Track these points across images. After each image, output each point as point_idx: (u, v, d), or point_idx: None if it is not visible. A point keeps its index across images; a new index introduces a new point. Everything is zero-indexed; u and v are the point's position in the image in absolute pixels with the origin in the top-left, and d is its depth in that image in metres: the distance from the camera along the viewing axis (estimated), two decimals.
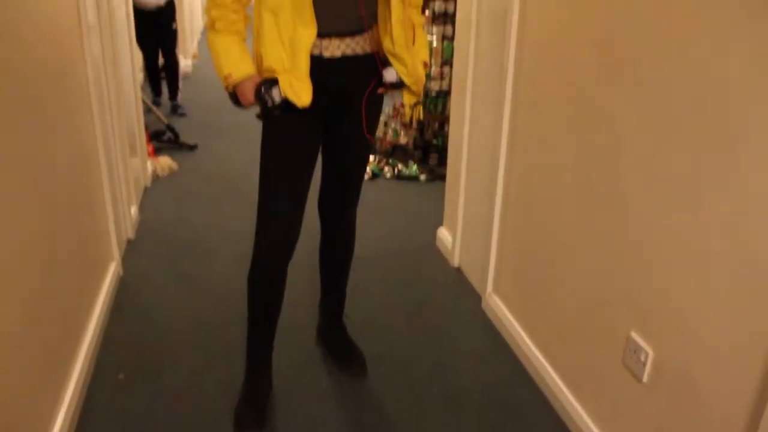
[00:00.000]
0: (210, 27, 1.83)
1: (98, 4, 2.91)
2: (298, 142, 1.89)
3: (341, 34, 1.82)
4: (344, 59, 1.85)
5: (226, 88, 1.84)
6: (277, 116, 1.81)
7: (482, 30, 2.77)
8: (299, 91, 1.78)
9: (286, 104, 1.80)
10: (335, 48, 1.83)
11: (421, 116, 2.05)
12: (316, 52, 1.82)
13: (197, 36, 10.34)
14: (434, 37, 4.11)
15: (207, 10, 1.83)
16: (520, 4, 2.33)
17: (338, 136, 2.00)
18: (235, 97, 1.85)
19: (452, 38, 3.95)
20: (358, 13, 1.81)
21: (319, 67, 1.82)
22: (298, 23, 1.75)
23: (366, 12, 1.83)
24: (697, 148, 1.47)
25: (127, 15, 3.84)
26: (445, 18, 4.07)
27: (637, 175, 1.70)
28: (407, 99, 1.99)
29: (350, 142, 2.02)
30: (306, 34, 1.76)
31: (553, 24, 2.13)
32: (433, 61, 4.12)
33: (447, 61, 4.09)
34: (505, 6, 2.43)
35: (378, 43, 1.91)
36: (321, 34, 1.80)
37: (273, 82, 1.78)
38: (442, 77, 4.20)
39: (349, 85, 1.91)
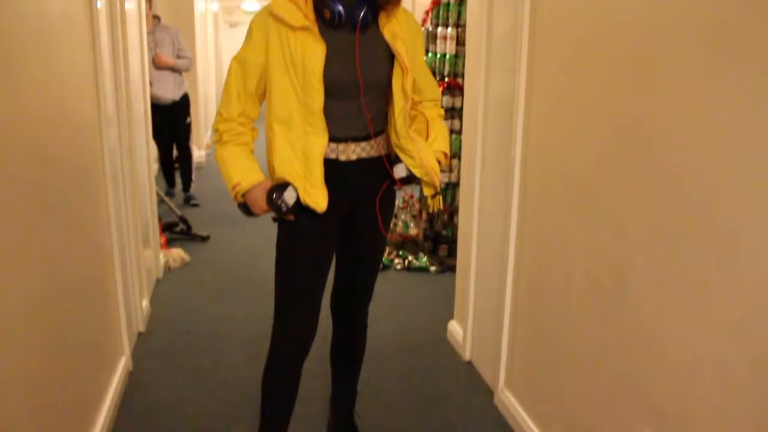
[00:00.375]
0: (218, 140, 1.92)
1: (117, 98, 3.03)
2: (314, 243, 1.93)
3: (356, 139, 1.90)
4: (360, 162, 1.92)
5: (235, 198, 1.89)
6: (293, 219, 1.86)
7: (489, 123, 2.86)
8: (316, 198, 1.84)
9: (300, 206, 1.83)
10: (351, 152, 1.90)
11: (441, 206, 2.11)
12: (333, 156, 1.89)
13: (210, 128, 10.65)
14: None
15: (215, 125, 1.93)
16: (525, 98, 2.42)
17: (353, 236, 2.04)
18: (245, 207, 1.89)
19: (460, 132, 4.06)
20: (365, 119, 1.89)
21: (336, 170, 1.89)
22: (310, 132, 1.83)
23: (372, 116, 1.92)
24: (706, 252, 1.49)
25: (145, 111, 3.98)
26: (453, 112, 4.20)
27: (646, 276, 1.71)
28: (425, 190, 2.05)
29: (365, 242, 2.06)
30: (318, 143, 1.83)
31: (558, 122, 2.20)
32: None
33: (455, 155, 4.19)
34: (510, 97, 2.53)
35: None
36: (337, 139, 1.88)
37: (284, 186, 1.83)
38: (450, 170, 4.29)
39: (366, 187, 1.97)
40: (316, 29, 1.80)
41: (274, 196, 1.81)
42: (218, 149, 1.91)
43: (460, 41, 4.12)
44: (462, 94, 3.84)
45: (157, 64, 5.40)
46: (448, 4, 4.18)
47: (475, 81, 2.96)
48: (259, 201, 1.85)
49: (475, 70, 2.95)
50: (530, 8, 2.35)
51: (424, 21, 4.50)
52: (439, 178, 2.05)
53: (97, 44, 2.58)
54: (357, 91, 1.85)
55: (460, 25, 4.13)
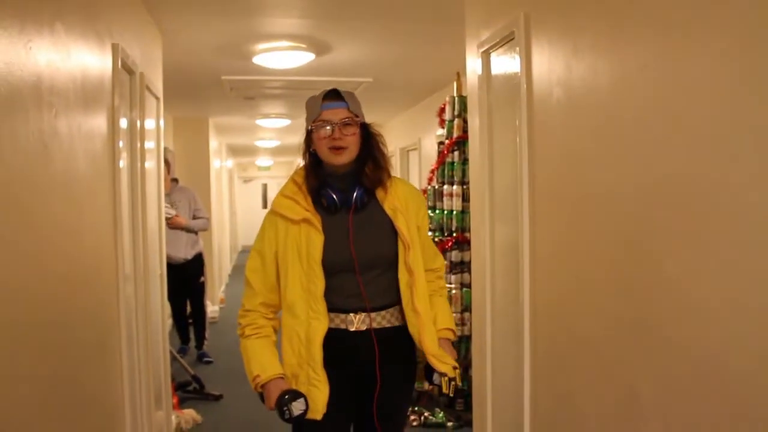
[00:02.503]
0: (241, 334, 2.05)
1: (135, 256, 3.12)
2: (328, 415, 1.94)
3: (362, 310, 1.96)
4: (369, 332, 1.96)
5: (255, 389, 1.98)
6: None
7: (497, 272, 2.91)
8: (314, 398, 1.90)
9: (304, 416, 1.89)
10: (360, 322, 1.96)
11: (450, 392, 2.08)
12: (342, 326, 1.96)
13: (225, 281, 10.77)
14: (453, 285, 4.28)
15: (238, 319, 2.05)
16: (529, 247, 2.49)
17: (368, 417, 2.04)
18: (263, 397, 1.98)
19: (470, 285, 4.10)
20: (360, 295, 1.96)
21: (345, 341, 1.95)
22: (312, 317, 1.93)
23: (378, 289, 1.98)
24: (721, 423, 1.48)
25: (161, 274, 4.07)
26: (463, 266, 4.27)
27: (656, 425, 1.68)
28: (441, 368, 2.02)
29: (381, 411, 2.02)
30: (320, 327, 1.93)
31: (561, 276, 2.25)
32: (453, 307, 4.24)
33: (467, 308, 4.21)
34: (515, 247, 2.59)
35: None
36: (345, 311, 1.96)
37: (296, 395, 1.89)
38: (463, 323, 4.28)
39: (375, 356, 1.97)
40: (315, 219, 1.96)
41: (285, 399, 1.89)
42: (242, 342, 2.04)
43: (465, 197, 4.28)
44: (469, 248, 3.93)
45: (170, 225, 5.50)
46: (453, 163, 4.39)
47: (481, 232, 3.06)
48: (271, 400, 1.92)
49: (481, 221, 3.05)
50: (528, 163, 2.49)
51: (430, 180, 4.70)
52: (450, 358, 2.04)
53: (117, 202, 2.70)
54: (354, 268, 1.95)
55: (465, 182, 4.31)
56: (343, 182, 1.98)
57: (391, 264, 1.99)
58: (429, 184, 4.71)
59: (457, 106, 4.41)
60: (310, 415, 1.88)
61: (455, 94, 4.48)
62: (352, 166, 1.98)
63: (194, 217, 5.75)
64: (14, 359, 1.58)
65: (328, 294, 1.94)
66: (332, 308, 1.96)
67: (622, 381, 1.85)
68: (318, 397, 1.89)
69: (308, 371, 1.91)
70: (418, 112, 7.24)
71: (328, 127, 1.92)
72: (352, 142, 1.94)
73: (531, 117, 2.46)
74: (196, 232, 5.77)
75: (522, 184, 2.52)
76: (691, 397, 1.57)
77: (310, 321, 1.92)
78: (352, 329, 1.95)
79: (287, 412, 1.87)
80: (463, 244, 4.28)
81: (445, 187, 4.40)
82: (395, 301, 2.01)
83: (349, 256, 1.93)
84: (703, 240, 1.52)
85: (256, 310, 2.01)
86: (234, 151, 14.18)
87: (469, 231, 4.11)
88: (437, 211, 4.46)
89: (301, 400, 1.88)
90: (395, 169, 8.38)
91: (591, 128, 2.04)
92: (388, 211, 1.98)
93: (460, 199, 4.32)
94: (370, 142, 2.01)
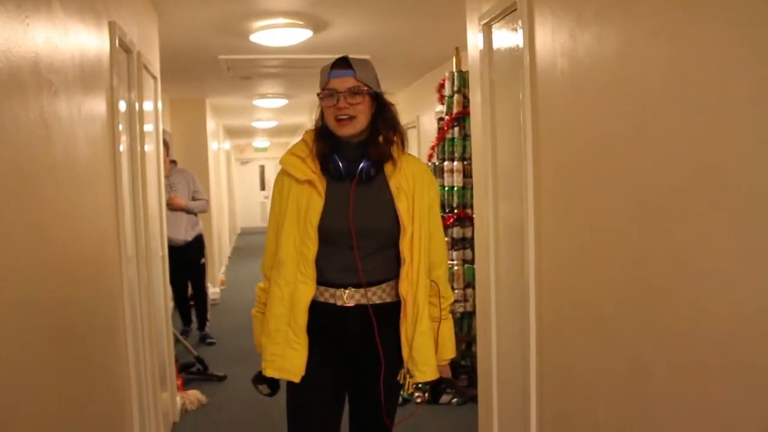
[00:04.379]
0: (257, 299, 2.11)
1: (136, 237, 3.11)
2: (321, 386, 1.97)
3: (353, 285, 1.94)
4: (359, 308, 1.95)
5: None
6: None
7: (500, 249, 2.91)
8: (292, 360, 1.93)
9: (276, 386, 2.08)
10: (348, 298, 1.94)
11: (409, 392, 2.00)
12: (331, 300, 1.95)
13: (225, 263, 10.77)
14: (455, 262, 4.27)
15: (263, 271, 2.08)
16: (534, 223, 2.48)
17: (360, 378, 2.03)
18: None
19: (472, 261, 4.10)
20: (356, 267, 1.94)
21: (334, 315, 1.94)
22: (300, 280, 1.92)
23: (372, 266, 1.95)
24: (732, 389, 1.48)
25: (162, 251, 4.06)
26: (464, 243, 4.27)
27: (670, 411, 1.68)
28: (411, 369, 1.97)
29: (372, 383, 2.01)
30: (306, 291, 1.93)
31: (568, 248, 2.24)
32: (455, 284, 4.25)
33: (469, 284, 4.21)
34: (520, 223, 2.59)
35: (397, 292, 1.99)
36: (334, 285, 1.94)
37: (261, 379, 2.05)
38: (465, 299, 4.29)
39: (368, 331, 1.95)
40: (320, 182, 1.93)
41: (254, 380, 2.10)
42: (253, 311, 2.11)
43: (467, 173, 4.27)
44: (472, 224, 3.92)
45: (170, 206, 5.51)
46: (453, 139, 4.37)
47: (484, 209, 3.05)
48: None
49: (483, 198, 3.04)
50: (533, 138, 2.47)
51: (430, 156, 4.68)
52: (428, 367, 1.96)
53: (118, 186, 2.70)
54: (351, 241, 1.92)
55: (465, 158, 4.30)
56: (352, 152, 1.95)
57: (390, 242, 1.96)
58: (429, 160, 4.69)
59: (456, 82, 4.38)
60: (287, 377, 1.94)
61: (454, 70, 4.45)
62: (363, 136, 1.96)
63: (193, 199, 5.74)
64: (23, 340, 1.57)
65: (320, 261, 1.93)
66: (322, 281, 1.94)
67: (631, 355, 1.85)
68: (295, 360, 1.92)
69: (288, 333, 1.93)
70: (416, 89, 7.19)
71: (333, 96, 1.89)
72: (359, 111, 1.91)
73: (534, 90, 2.44)
74: (195, 214, 5.77)
75: (526, 159, 2.50)
76: (701, 371, 1.57)
77: (297, 283, 1.92)
78: (340, 304, 1.94)
79: (260, 391, 2.09)
80: (464, 220, 4.27)
81: (446, 163, 4.38)
82: (392, 275, 1.98)
83: (347, 226, 1.91)
84: (715, 207, 1.51)
85: (269, 277, 2.04)
86: (231, 132, 14.12)
87: (471, 207, 4.10)
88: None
89: (264, 385, 2.07)
90: None
91: (597, 99, 2.02)
92: (393, 189, 1.95)
93: (461, 175, 4.31)
94: (381, 113, 1.97)
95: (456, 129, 4.35)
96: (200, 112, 8.29)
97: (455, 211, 4.30)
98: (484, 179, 3.02)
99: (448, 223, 4.28)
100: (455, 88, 4.37)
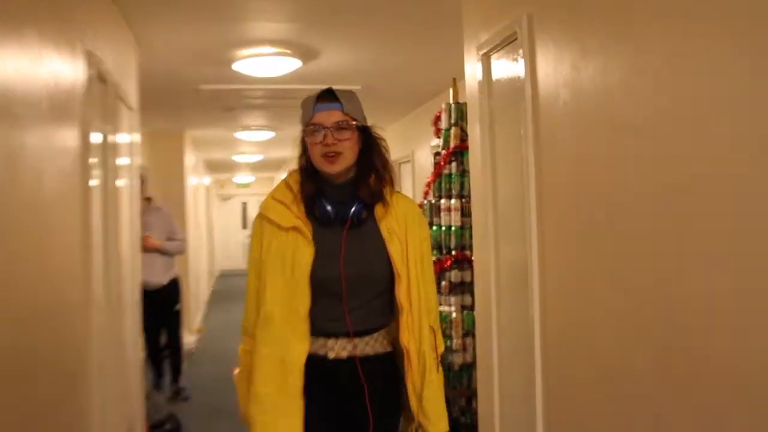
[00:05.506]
0: (239, 361, 2.04)
1: (107, 281, 3.06)
2: None
3: (344, 335, 1.93)
4: (351, 360, 1.93)
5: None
6: None
7: (502, 294, 2.91)
8: (286, 428, 1.87)
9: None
10: (341, 349, 1.93)
11: None
12: (321, 352, 1.94)
13: (202, 309, 10.70)
14: (453, 308, 4.27)
15: (242, 331, 2.04)
16: (538, 264, 2.49)
17: None
18: None
19: (472, 307, 4.10)
20: (345, 317, 1.92)
21: (324, 369, 1.93)
22: (291, 336, 1.89)
23: (363, 314, 1.94)
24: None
25: (136, 301, 4.04)
26: (463, 287, 4.27)
27: None
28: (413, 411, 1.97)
29: None
30: (300, 349, 1.90)
31: (575, 292, 2.25)
32: (453, 332, 4.24)
33: (469, 332, 4.20)
34: (523, 265, 2.59)
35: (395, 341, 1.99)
36: (326, 334, 1.93)
37: None
38: (465, 348, 4.27)
39: (359, 386, 1.94)
40: (306, 228, 1.93)
41: None
42: (236, 374, 2.04)
43: (465, 212, 4.28)
44: (471, 267, 3.93)
45: (144, 248, 5.46)
46: (450, 174, 4.40)
47: (484, 251, 3.06)
48: None
49: (483, 239, 3.05)
50: (536, 173, 2.50)
51: (426, 194, 4.71)
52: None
53: (89, 224, 2.68)
54: (340, 289, 1.92)
55: (464, 195, 4.32)
56: (339, 193, 1.95)
57: (383, 289, 1.96)
58: (425, 198, 4.72)
59: (453, 114, 4.43)
60: None
61: (451, 101, 4.51)
62: (351, 175, 1.96)
63: (169, 239, 5.72)
64: None
65: (311, 313, 1.92)
66: (312, 331, 1.93)
67: (648, 414, 1.84)
68: (290, 429, 1.87)
69: (278, 398, 1.88)
70: (411, 121, 7.27)
71: (320, 132, 1.91)
72: (347, 147, 1.91)
73: (537, 122, 2.48)
74: (171, 256, 5.75)
75: (529, 196, 2.52)
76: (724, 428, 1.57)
77: (289, 343, 1.89)
78: (332, 356, 1.93)
79: None
80: (463, 263, 4.28)
81: (443, 201, 4.41)
82: (383, 323, 1.99)
83: (338, 274, 1.90)
84: (734, 251, 1.53)
85: (252, 335, 1.99)
86: (212, 166, 14.18)
87: (470, 249, 4.11)
88: (434, 228, 4.46)
89: None
90: None
91: (602, 132, 2.06)
92: (384, 232, 1.95)
93: (459, 213, 4.33)
94: (370, 148, 1.99)
95: (453, 164, 4.39)
96: (179, 145, 8.36)
97: (453, 252, 4.32)
98: (484, 218, 3.04)
99: (446, 265, 4.29)
100: (452, 121, 4.43)
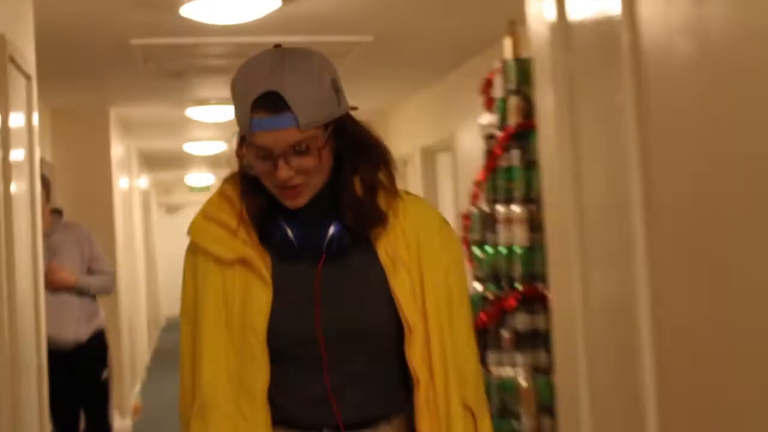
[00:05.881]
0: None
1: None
2: None
3: (330, 427, 1.88)
4: None
5: None
6: None
7: (596, 348, 2.89)
8: None
9: None
10: None
11: None
12: None
13: (141, 377, 10.73)
14: (520, 371, 4.25)
15: (181, 416, 2.02)
16: (650, 304, 2.47)
17: None
18: None
19: (548, 371, 4.07)
20: (328, 399, 1.89)
21: None
22: (242, 429, 1.85)
23: (357, 395, 1.91)
24: None
25: (40, 368, 4.04)
26: (534, 340, 4.25)
27: None
28: None
29: None
30: None
31: (715, 337, 2.22)
32: (522, 409, 4.22)
33: (546, 408, 4.17)
34: (627, 303, 2.57)
35: None
36: (299, 426, 1.89)
37: None
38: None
39: None
40: (260, 261, 1.86)
41: None
42: None
43: (535, 225, 4.25)
44: (546, 309, 3.91)
45: (50, 284, 5.40)
46: (510, 169, 4.39)
47: (565, 283, 3.04)
48: None
49: (564, 265, 3.04)
50: (642, 164, 2.49)
51: (474, 198, 4.69)
52: None
53: None
54: (319, 354, 1.87)
55: (531, 200, 4.30)
56: (310, 209, 1.87)
57: (385, 352, 1.92)
58: (473, 204, 4.71)
59: (513, 76, 4.42)
60: None
61: (509, 57, 4.50)
62: (325, 185, 1.89)
63: (89, 272, 5.73)
64: None
65: (274, 393, 1.88)
66: (278, 419, 1.89)
67: None
68: None
69: None
70: (448, 89, 7.28)
71: (267, 160, 1.79)
72: (313, 172, 1.81)
73: (641, 87, 2.47)
74: (93, 297, 5.76)
75: (632, 198, 2.51)
76: None
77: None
78: None
79: None
80: (534, 302, 4.26)
81: (500, 208, 4.40)
82: (391, 409, 1.94)
83: (312, 332, 1.86)
84: None
85: (189, 417, 1.93)
86: (151, 161, 14.27)
87: (544, 280, 4.09)
88: (488, 249, 4.45)
89: None
90: (412, 183, 8.39)
91: (747, 101, 2.03)
92: (384, 260, 1.88)
93: (526, 227, 4.31)
94: (352, 140, 1.89)
95: (515, 152, 4.37)
96: (101, 130, 8.41)
97: (517, 287, 4.30)
98: (564, 234, 3.02)
99: (508, 306, 4.27)
100: (512, 87, 4.41)
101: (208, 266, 1.91)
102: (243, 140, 1.84)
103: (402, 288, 1.87)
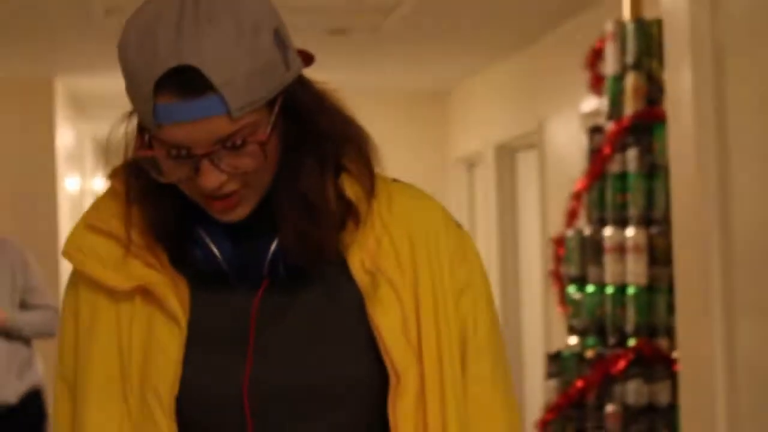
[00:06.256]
0: None
1: None
2: None
3: None
4: None
5: None
6: None
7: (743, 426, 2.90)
8: None
9: None
10: None
11: None
12: None
13: None
14: None
15: None
16: None
17: None
18: None
19: None
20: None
21: None
22: None
23: None
24: None
25: None
26: (652, 415, 4.25)
27: None
28: None
29: None
30: None
31: None
32: None
33: None
34: None
35: None
36: None
37: None
38: None
39: None
40: (168, 287, 1.81)
41: None
42: None
43: (657, 257, 4.26)
44: (669, 375, 3.92)
45: None
46: (624, 175, 4.39)
47: (701, 339, 3.05)
48: None
49: (702, 314, 3.05)
50: None
51: (572, 215, 4.70)
52: None
53: None
54: (244, 422, 1.84)
55: (653, 221, 4.30)
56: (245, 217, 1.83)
57: (356, 416, 1.91)
58: (569, 224, 4.72)
59: (632, 45, 4.43)
60: None
61: (627, 17, 4.51)
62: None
63: (23, 306, 5.80)
64: None
65: None
66: None
67: None
68: None
69: None
70: (533, 61, 7.31)
71: (184, 163, 1.71)
72: (252, 170, 1.74)
73: None
74: (28, 341, 5.82)
75: None
76: None
77: None
78: None
79: None
80: (653, 364, 4.26)
81: (608, 231, 4.40)
82: None
83: (237, 392, 1.84)
84: None
85: None
86: (112, 154, 14.33)
87: (669, 335, 4.10)
88: (588, 289, 4.46)
89: None
90: (481, 192, 8.40)
91: None
92: (359, 276, 1.80)
93: (645, 259, 4.31)
94: (308, 119, 1.80)
95: (631, 153, 4.38)
96: (41, 107, 8.48)
97: (630, 343, 4.31)
98: (703, 269, 3.03)
99: (616, 369, 4.28)
100: (629, 60, 4.43)
101: (96, 302, 1.82)
102: (144, 131, 1.70)
103: (386, 317, 1.74)
